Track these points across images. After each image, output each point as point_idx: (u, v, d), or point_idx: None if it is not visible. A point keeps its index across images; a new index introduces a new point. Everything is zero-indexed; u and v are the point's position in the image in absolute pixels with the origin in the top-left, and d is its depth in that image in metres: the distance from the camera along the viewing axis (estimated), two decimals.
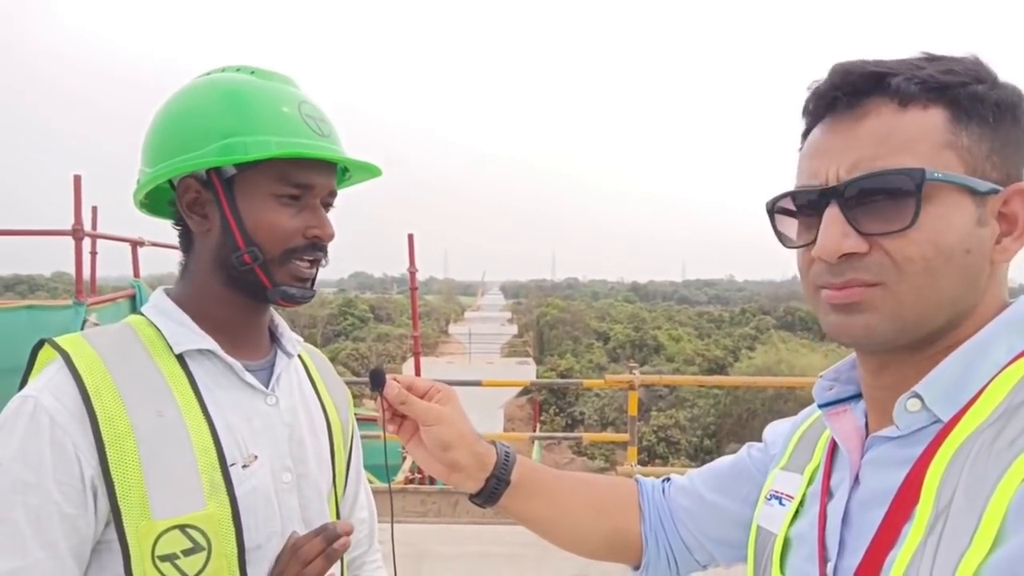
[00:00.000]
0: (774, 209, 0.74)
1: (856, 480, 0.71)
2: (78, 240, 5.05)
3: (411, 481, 5.73)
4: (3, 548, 0.81)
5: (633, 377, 5.09)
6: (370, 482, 1.29)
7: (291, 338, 1.09)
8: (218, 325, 0.98)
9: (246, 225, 0.94)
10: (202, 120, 0.94)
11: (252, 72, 0.99)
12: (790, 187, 0.73)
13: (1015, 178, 0.66)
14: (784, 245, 0.74)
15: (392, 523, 1.02)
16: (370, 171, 1.08)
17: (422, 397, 0.94)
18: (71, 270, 5.16)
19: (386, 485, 1.07)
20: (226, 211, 0.94)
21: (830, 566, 0.69)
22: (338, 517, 1.11)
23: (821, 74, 0.70)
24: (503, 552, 4.07)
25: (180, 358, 0.95)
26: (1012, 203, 0.66)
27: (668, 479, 1.04)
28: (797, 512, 0.79)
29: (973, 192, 0.64)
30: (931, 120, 0.64)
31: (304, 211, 0.97)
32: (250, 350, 1.02)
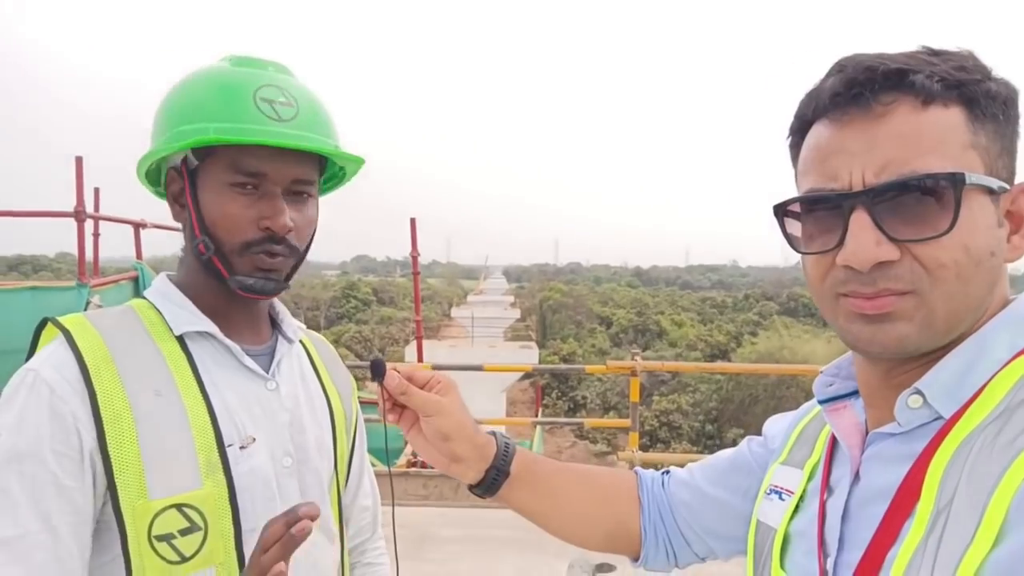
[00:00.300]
0: (784, 212, 0.71)
1: (856, 476, 0.70)
2: (80, 222, 5.06)
3: (413, 464, 5.75)
4: None
5: (635, 363, 5.08)
6: (372, 465, 1.29)
7: (291, 324, 1.09)
8: (213, 311, 0.98)
9: (205, 215, 0.94)
10: (165, 112, 0.96)
11: (235, 61, 0.98)
12: (790, 181, 0.71)
13: (1014, 175, 0.65)
14: (795, 249, 0.71)
15: (393, 506, 1.02)
16: (347, 159, 1.03)
17: (422, 387, 0.94)
18: (75, 251, 5.18)
19: (387, 468, 1.07)
20: (188, 201, 0.95)
21: (830, 562, 0.69)
22: (339, 504, 1.12)
23: (810, 60, 0.67)
24: (505, 536, 4.10)
25: (180, 340, 0.95)
26: (1019, 201, 0.65)
27: (668, 472, 1.05)
28: (797, 507, 0.79)
29: (991, 192, 0.63)
30: (953, 119, 0.62)
31: (261, 200, 0.93)
32: (249, 335, 1.02)
